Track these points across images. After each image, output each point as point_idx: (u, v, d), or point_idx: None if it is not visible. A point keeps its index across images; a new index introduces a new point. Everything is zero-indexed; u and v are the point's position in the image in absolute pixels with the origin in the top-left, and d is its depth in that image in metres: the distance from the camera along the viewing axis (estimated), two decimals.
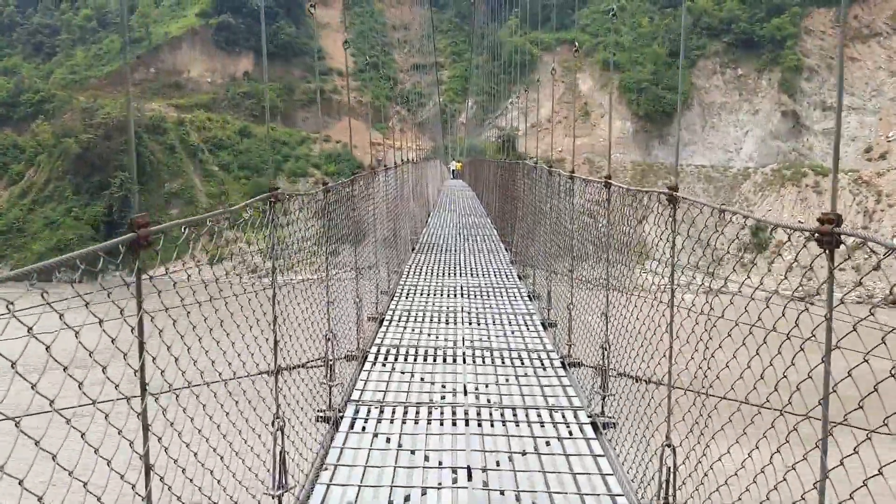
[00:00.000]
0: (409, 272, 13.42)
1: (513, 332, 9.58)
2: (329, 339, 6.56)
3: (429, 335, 9.42)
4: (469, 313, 10.67)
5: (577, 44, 23.07)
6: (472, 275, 13.24)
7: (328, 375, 6.47)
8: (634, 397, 5.54)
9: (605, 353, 6.30)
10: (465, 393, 7.04)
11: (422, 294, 11.88)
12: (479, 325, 10.03)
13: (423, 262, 14.84)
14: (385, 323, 10.08)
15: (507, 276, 13.08)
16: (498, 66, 50.38)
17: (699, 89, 55.04)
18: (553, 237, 10.18)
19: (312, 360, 6.27)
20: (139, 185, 51.43)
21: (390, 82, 57.74)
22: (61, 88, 58.33)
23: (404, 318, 10.37)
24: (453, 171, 56.92)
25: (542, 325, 10.01)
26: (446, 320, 10.29)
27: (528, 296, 11.77)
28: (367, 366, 7.97)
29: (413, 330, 9.70)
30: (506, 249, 16.70)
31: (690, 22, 56.72)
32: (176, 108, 58.63)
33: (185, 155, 55.27)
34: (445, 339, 9.18)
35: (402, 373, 7.74)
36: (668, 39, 56.40)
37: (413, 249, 16.49)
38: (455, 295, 11.80)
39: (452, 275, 13.29)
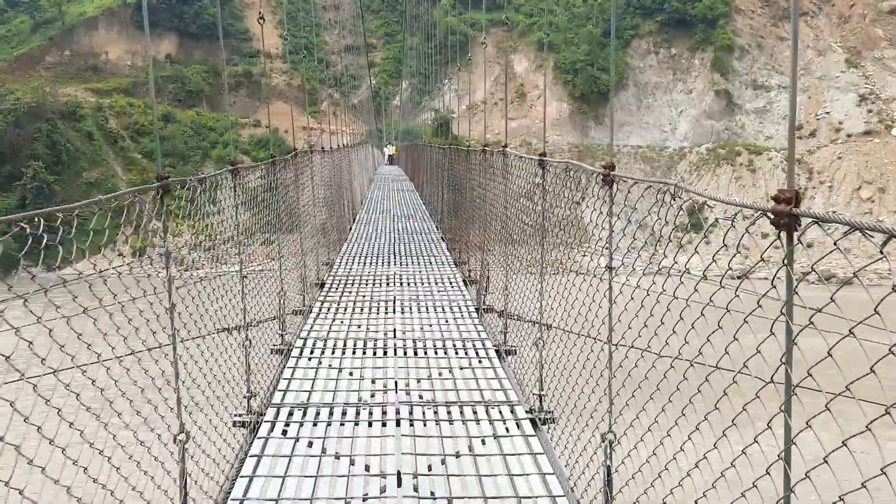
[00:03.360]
0: (303, 347, 7.98)
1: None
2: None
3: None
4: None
5: (506, 19, 22.14)
6: (413, 351, 7.83)
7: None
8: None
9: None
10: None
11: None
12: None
13: (337, 314, 9.43)
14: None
15: (477, 348, 7.92)
16: (432, 48, 49.16)
17: (634, 69, 54.96)
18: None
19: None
20: (55, 176, 48.55)
21: (322, 64, 55.87)
22: None
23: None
24: (389, 156, 55.43)
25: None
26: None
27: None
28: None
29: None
30: (463, 283, 11.32)
31: (623, 1, 56.54)
32: (94, 92, 55.55)
33: (105, 142, 52.42)
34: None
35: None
36: (602, 20, 56.09)
37: (322, 287, 11.08)
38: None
39: (380, 351, 7.85)
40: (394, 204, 25.11)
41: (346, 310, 9.64)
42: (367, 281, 11.57)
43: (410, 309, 9.65)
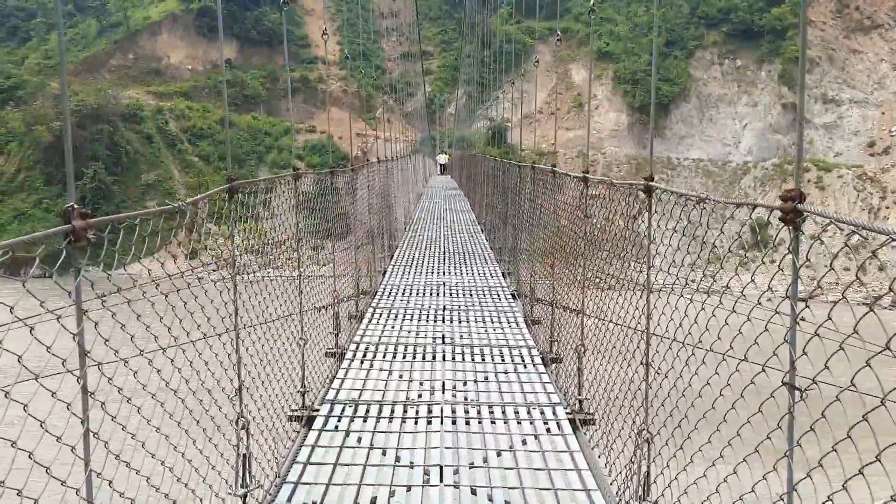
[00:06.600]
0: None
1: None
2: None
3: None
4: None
5: (559, 33, 21.82)
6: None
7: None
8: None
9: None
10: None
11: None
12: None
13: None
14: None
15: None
16: (489, 55, 48.51)
17: (697, 80, 53.39)
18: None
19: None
20: (114, 177, 49.38)
21: (377, 71, 55.74)
22: (35, 74, 55.95)
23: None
24: (442, 165, 54.82)
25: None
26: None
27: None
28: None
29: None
30: (566, 416, 6.20)
31: (687, 11, 55.09)
32: (154, 95, 56.49)
33: (164, 144, 53.21)
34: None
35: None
36: (665, 29, 54.68)
37: (310, 424, 6.26)
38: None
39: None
40: (444, 233, 19.55)
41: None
42: (390, 406, 6.38)
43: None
